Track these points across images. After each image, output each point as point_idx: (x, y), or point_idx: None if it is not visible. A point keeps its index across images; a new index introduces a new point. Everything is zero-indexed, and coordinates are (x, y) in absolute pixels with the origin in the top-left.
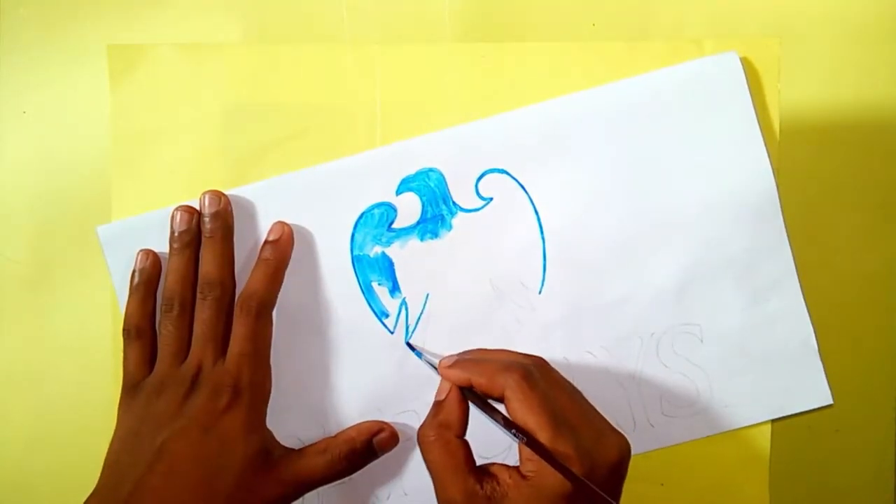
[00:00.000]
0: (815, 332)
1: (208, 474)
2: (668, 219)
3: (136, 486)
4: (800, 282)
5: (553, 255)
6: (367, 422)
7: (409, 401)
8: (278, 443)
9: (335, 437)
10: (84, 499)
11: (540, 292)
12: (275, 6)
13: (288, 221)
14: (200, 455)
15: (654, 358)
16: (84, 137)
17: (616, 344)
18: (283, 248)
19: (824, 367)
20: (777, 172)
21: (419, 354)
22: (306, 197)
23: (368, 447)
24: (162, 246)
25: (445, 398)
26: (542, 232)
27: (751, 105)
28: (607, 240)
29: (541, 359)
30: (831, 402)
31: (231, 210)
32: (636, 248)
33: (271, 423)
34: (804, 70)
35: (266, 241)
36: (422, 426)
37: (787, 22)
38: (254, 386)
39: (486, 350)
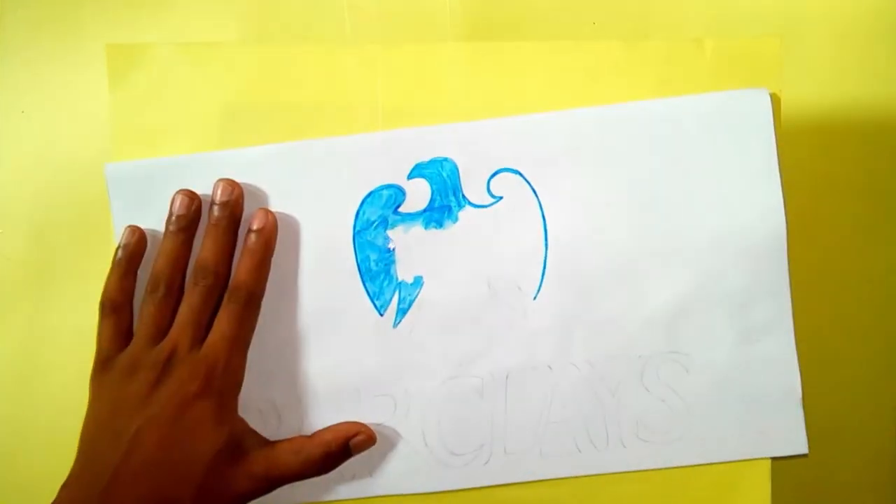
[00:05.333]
0: (812, 337)
1: (179, 462)
2: (674, 245)
3: (114, 475)
4: (801, 285)
5: (553, 264)
6: (345, 424)
7: (388, 385)
8: (252, 434)
9: (311, 437)
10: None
11: (535, 298)
12: (275, 6)
13: (296, 187)
14: (171, 443)
15: (638, 380)
16: (84, 137)
17: (602, 361)
18: (268, 236)
19: (827, 367)
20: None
21: None
22: (319, 166)
23: (344, 449)
24: (166, 195)
25: None
26: (546, 239)
27: (774, 145)
28: (610, 257)
29: None
30: (806, 451)
31: (242, 202)
32: (637, 270)
33: (250, 382)
34: (804, 70)
35: (250, 230)
36: None
37: (787, 22)
38: (227, 376)
39: None
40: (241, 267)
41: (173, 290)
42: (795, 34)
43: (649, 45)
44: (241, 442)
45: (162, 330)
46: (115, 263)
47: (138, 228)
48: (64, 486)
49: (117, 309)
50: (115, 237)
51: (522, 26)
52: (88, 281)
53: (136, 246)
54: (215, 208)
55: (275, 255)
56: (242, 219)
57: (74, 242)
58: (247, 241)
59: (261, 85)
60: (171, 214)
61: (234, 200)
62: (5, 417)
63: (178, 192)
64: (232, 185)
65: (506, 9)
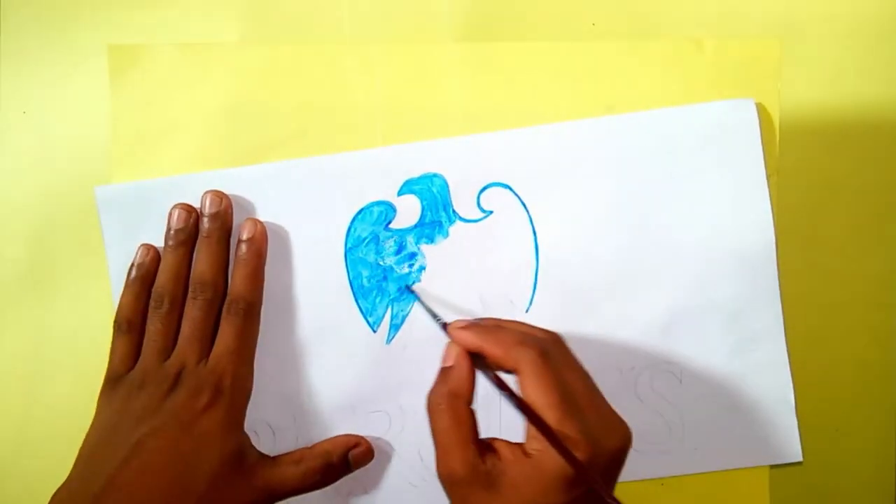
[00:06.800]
0: (813, 339)
1: (182, 473)
2: (665, 256)
3: (109, 480)
4: (800, 287)
5: (544, 277)
6: (344, 435)
7: (383, 402)
8: (254, 448)
9: (311, 448)
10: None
11: (527, 311)
12: (275, 6)
13: (287, 205)
14: (176, 453)
15: (632, 392)
16: (84, 137)
17: (595, 373)
18: (258, 245)
19: (826, 370)
20: (777, 172)
21: (416, 298)
22: (309, 184)
23: (344, 461)
24: (156, 215)
25: (454, 365)
26: (537, 252)
27: (761, 155)
28: (601, 269)
29: (558, 335)
30: (801, 459)
31: (231, 212)
32: (628, 281)
33: None
34: (804, 70)
35: (240, 240)
36: (431, 392)
37: (787, 22)
38: (235, 387)
39: (499, 319)
40: (235, 278)
41: (177, 305)
42: (795, 35)
43: (649, 46)
44: (245, 454)
45: (169, 345)
46: (130, 282)
47: (153, 247)
48: (55, 494)
49: (132, 328)
50: (108, 258)
51: (522, 27)
52: (88, 281)
53: (150, 265)
54: (205, 220)
55: (267, 275)
56: (233, 231)
57: (74, 243)
58: (238, 252)
59: (261, 85)
60: (169, 229)
61: (224, 211)
62: (5, 417)
63: (174, 207)
64: (220, 195)
65: (505, 9)
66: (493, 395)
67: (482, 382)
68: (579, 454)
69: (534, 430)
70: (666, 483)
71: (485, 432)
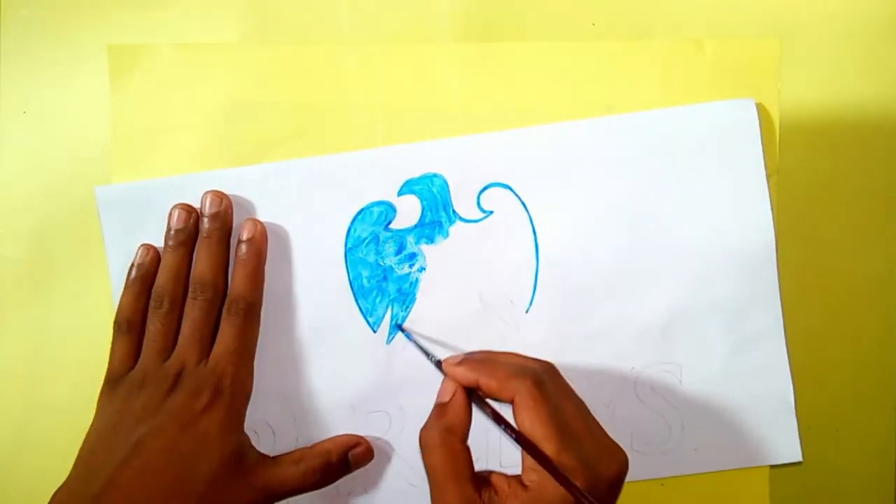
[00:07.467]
0: (813, 338)
1: (182, 473)
2: (664, 257)
3: (109, 480)
4: (800, 287)
5: (544, 277)
6: (344, 435)
7: (383, 402)
8: (254, 448)
9: (311, 448)
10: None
11: (527, 311)
12: (275, 6)
13: (287, 205)
14: (175, 453)
15: (631, 392)
16: (84, 137)
17: (595, 373)
18: (258, 245)
19: (827, 370)
20: (777, 172)
21: (408, 336)
22: (309, 185)
23: (343, 461)
24: (156, 216)
25: (450, 400)
26: (537, 252)
27: (761, 155)
28: (601, 270)
29: (551, 365)
30: (801, 459)
31: (231, 212)
32: (628, 282)
33: None
34: (804, 70)
35: (240, 241)
36: (425, 428)
37: (787, 22)
38: (235, 388)
39: (492, 352)
40: (235, 278)
41: (177, 305)
42: (795, 34)
43: (649, 45)
44: (245, 454)
45: (169, 345)
46: (130, 283)
47: (152, 247)
48: (55, 494)
49: (132, 328)
50: (108, 258)
51: (522, 27)
52: (88, 281)
53: (150, 265)
54: (205, 220)
55: (267, 275)
56: (232, 231)
57: (74, 243)
58: (238, 252)
59: (261, 85)
60: (169, 229)
61: (224, 211)
62: (5, 417)
63: (174, 207)
64: (220, 196)
65: (505, 9)
66: (492, 426)
67: (480, 414)
68: (577, 483)
69: (531, 462)
70: (666, 483)
71: (485, 464)
